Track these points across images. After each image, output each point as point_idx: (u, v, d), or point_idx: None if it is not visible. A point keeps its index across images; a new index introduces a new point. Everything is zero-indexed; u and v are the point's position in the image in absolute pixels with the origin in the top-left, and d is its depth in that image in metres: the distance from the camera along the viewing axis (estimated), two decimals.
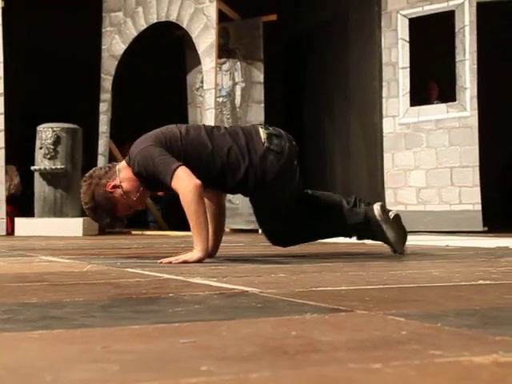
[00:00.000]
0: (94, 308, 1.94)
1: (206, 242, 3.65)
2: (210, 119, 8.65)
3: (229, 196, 9.78)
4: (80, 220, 8.28)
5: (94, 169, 4.05)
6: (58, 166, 8.42)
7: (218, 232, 4.13)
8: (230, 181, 3.92)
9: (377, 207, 4.09)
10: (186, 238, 6.83)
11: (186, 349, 1.38)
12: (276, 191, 3.97)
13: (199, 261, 3.56)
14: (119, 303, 2.04)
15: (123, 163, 3.96)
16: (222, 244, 4.15)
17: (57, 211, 8.46)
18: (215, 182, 3.93)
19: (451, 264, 3.51)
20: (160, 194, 10.82)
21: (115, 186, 3.87)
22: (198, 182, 3.64)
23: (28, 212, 9.04)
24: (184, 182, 3.64)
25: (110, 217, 3.97)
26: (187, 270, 3.15)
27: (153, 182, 3.82)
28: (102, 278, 2.80)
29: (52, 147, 8.44)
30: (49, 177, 8.46)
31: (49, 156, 8.45)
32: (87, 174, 3.99)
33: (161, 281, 2.69)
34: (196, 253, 3.60)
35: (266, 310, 1.89)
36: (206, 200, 3.84)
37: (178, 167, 3.66)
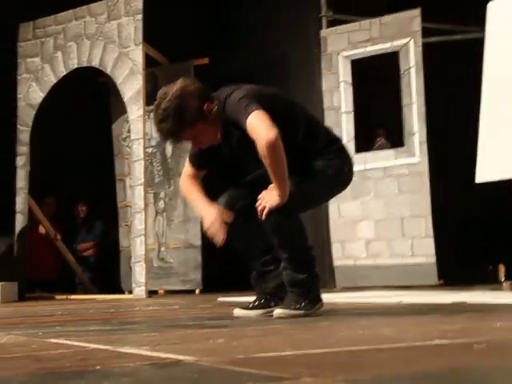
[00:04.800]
0: None
1: (287, 187, 3.90)
2: (139, 171, 8.61)
3: (162, 254, 9.74)
4: None
5: None
6: None
7: None
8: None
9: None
10: (115, 301, 6.75)
11: None
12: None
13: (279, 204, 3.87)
14: (39, 379, 1.99)
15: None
16: (154, 308, 4.10)
17: None
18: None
19: (405, 322, 3.52)
20: (88, 253, 10.75)
21: (210, 110, 4.01)
22: (276, 131, 3.76)
23: None
24: (262, 129, 3.78)
25: (177, 126, 3.94)
26: (116, 338, 3.11)
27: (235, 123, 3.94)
28: (21, 351, 2.74)
29: None
30: None
31: None
32: None
33: (87, 351, 2.64)
34: (275, 196, 3.91)
35: (203, 382, 1.87)
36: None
37: (257, 109, 3.82)
